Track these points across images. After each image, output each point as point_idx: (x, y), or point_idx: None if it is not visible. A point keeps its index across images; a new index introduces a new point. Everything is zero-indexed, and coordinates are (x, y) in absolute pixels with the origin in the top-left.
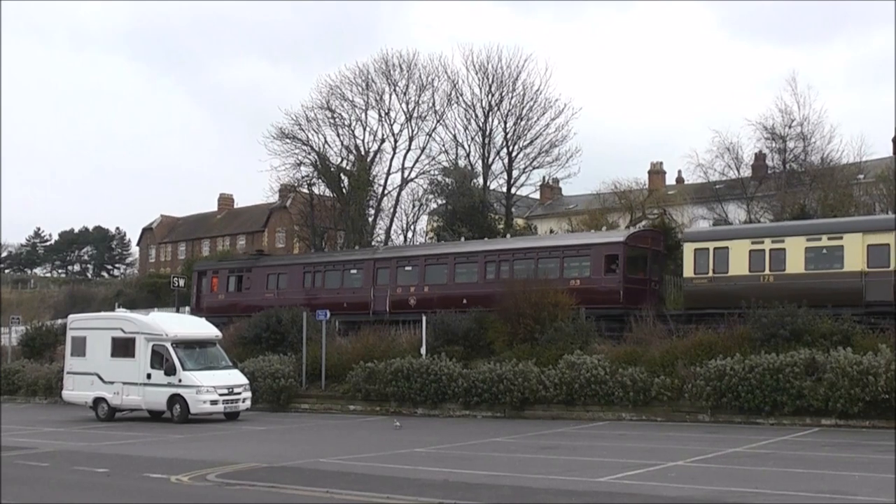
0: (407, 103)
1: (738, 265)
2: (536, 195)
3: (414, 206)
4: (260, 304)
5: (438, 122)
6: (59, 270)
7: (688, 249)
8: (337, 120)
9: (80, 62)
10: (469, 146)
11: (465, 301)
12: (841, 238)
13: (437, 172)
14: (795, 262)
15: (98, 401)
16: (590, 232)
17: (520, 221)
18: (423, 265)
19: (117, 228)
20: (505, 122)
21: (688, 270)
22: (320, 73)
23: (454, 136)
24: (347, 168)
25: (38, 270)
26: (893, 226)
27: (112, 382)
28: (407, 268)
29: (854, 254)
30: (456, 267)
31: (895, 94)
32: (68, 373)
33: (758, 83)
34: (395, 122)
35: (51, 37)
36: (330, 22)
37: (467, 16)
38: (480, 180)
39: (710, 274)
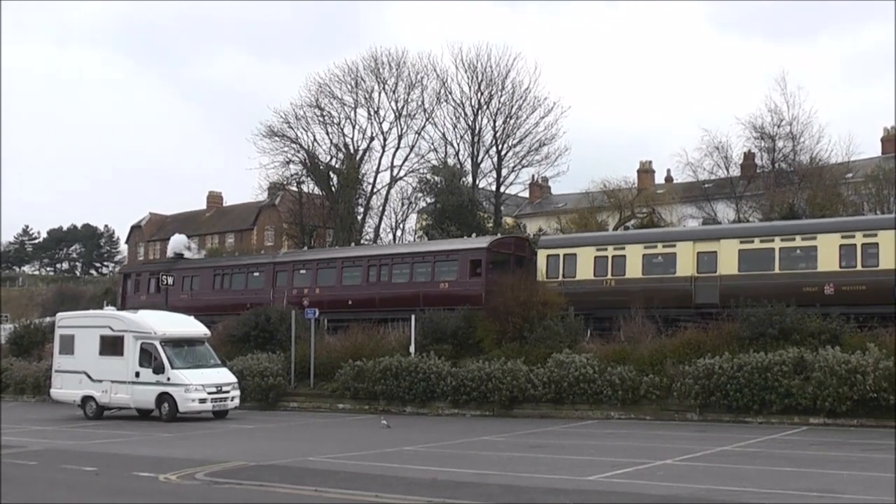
0: (396, 101)
1: (585, 270)
2: (526, 194)
3: (403, 205)
4: (175, 305)
5: (427, 120)
6: (48, 268)
7: (541, 255)
8: (326, 118)
9: (65, 57)
10: (458, 144)
11: (350, 302)
12: (674, 246)
13: (426, 171)
14: (634, 268)
15: (86, 399)
16: (459, 239)
17: (509, 220)
18: (316, 269)
19: (106, 226)
20: (494, 121)
21: (541, 275)
22: (308, 69)
23: (443, 134)
24: (336, 166)
25: (26, 268)
26: (720, 235)
27: (100, 381)
28: (302, 271)
29: (685, 260)
30: (343, 271)
31: (894, 91)
32: (57, 371)
33: (747, 80)
34: (384, 120)
35: (35, 32)
36: (318, 18)
37: (456, 14)
38: (469, 179)
39: (561, 278)
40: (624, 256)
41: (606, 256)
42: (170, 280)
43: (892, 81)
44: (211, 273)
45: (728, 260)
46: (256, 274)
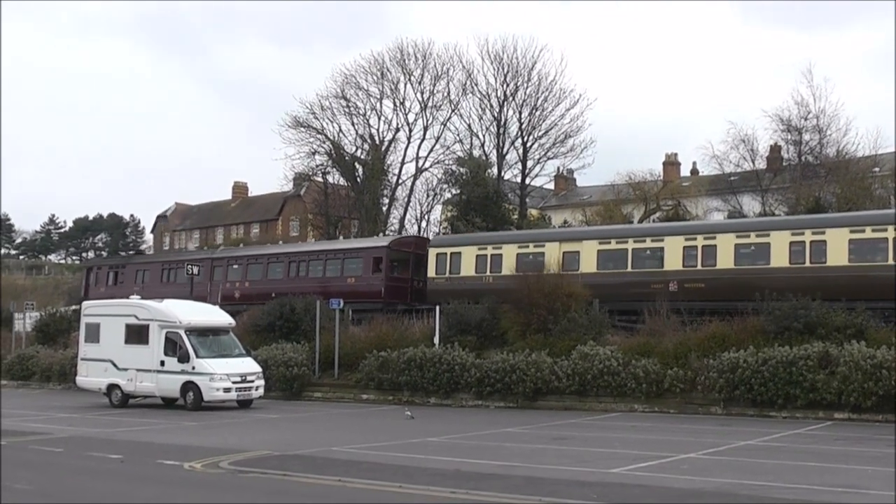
0: (422, 93)
1: (468, 267)
2: (551, 186)
3: (428, 196)
4: (129, 296)
5: (453, 111)
6: (74, 257)
7: (431, 254)
8: (352, 109)
9: (87, 48)
10: (484, 136)
11: (273, 295)
12: (543, 246)
13: (451, 162)
14: (509, 265)
15: (112, 387)
16: (366, 238)
17: (534, 212)
18: (246, 264)
19: (132, 215)
20: (520, 113)
21: (431, 271)
22: (328, 59)
23: (469, 125)
24: (362, 157)
25: (52, 257)
26: (582, 236)
27: (126, 369)
28: (234, 266)
29: (552, 259)
30: (269, 266)
31: (894, 90)
32: (82, 359)
33: (774, 71)
34: (409, 111)
35: (56, 21)
36: (341, 8)
37: (482, 5)
38: (495, 170)
39: (447, 274)
40: (501, 255)
41: (486, 255)
42: (195, 270)
43: (893, 80)
44: (159, 267)
45: (588, 259)
46: (197, 269)
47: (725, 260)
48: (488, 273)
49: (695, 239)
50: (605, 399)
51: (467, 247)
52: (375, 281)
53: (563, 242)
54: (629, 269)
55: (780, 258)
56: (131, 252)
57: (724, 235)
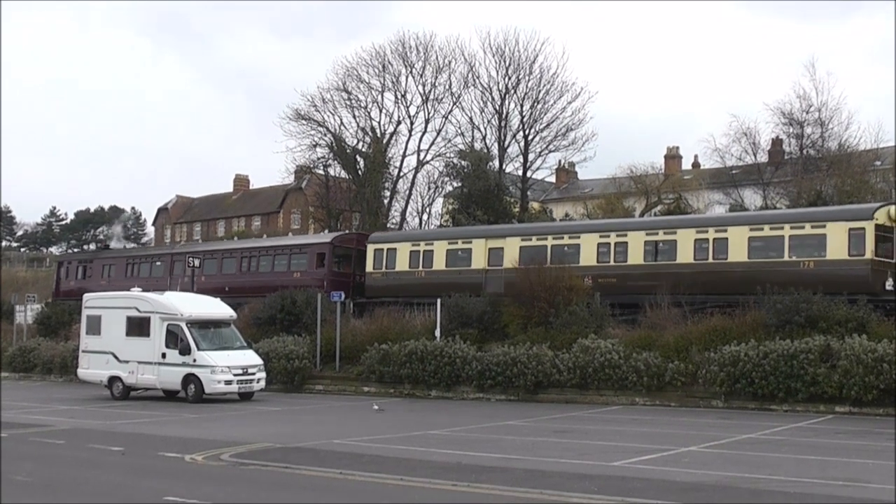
0: (423, 85)
1: (402, 263)
2: (552, 179)
3: (429, 189)
4: (96, 289)
5: (455, 104)
6: (75, 249)
7: (370, 249)
8: (353, 101)
9: (88, 38)
10: (485, 129)
11: (227, 289)
12: (470, 242)
13: (452, 155)
14: (439, 261)
15: (113, 380)
16: (311, 234)
17: (535, 205)
18: (203, 259)
19: (133, 208)
20: (521, 105)
21: (369, 266)
22: (330, 51)
23: (470, 118)
24: (363, 150)
25: (53, 249)
26: (506, 234)
27: (127, 361)
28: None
29: (479, 255)
30: (223, 261)
31: (894, 84)
32: (83, 351)
33: (777, 64)
34: (411, 104)
35: (56, 11)
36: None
37: None
38: (496, 163)
39: (384, 269)
40: (432, 251)
41: (419, 251)
42: (196, 262)
43: (893, 72)
44: (124, 262)
45: (511, 255)
46: (158, 263)
47: (636, 256)
48: (420, 268)
49: (608, 236)
50: (606, 392)
51: (402, 243)
52: (319, 275)
53: (489, 239)
54: (547, 264)
55: (685, 254)
56: (102, 246)
57: (635, 233)
